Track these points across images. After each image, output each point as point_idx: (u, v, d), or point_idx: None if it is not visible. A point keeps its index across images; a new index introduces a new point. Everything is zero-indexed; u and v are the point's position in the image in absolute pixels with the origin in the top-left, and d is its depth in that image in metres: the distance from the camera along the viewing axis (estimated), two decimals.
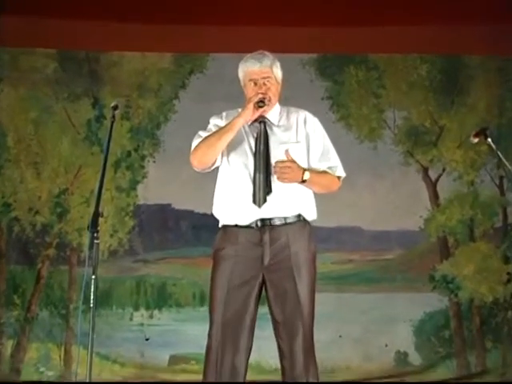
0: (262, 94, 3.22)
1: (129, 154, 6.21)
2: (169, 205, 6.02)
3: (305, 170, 3.17)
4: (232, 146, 3.24)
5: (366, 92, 6.32)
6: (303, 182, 3.17)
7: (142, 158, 6.23)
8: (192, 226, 6.06)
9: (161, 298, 6.10)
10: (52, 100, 6.20)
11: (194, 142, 3.27)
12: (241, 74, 3.36)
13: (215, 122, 3.33)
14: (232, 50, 5.29)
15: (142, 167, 6.21)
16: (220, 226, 3.29)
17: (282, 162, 3.11)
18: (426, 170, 6.23)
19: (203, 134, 3.28)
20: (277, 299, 3.15)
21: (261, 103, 3.20)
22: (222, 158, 3.26)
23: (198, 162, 3.23)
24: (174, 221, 6.12)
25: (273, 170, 3.13)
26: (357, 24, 5.88)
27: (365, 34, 5.99)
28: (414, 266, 6.14)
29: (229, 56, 5.58)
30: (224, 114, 3.38)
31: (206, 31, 5.97)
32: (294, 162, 3.13)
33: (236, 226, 3.20)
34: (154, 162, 6.20)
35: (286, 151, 3.14)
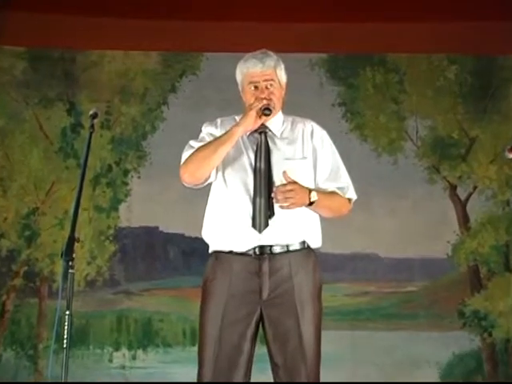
0: (266, 99, 3.23)
1: (110, 168, 6.23)
2: (156, 227, 6.03)
3: (311, 190, 3.17)
4: (228, 160, 3.23)
5: (384, 98, 6.35)
6: (310, 204, 3.15)
7: (125, 172, 6.24)
8: (182, 252, 6.06)
9: (146, 335, 6.08)
10: (21, 105, 6.23)
11: (185, 154, 3.26)
12: (239, 77, 3.36)
13: (209, 131, 3.33)
14: (229, 49, 5.33)
15: (125, 184, 6.22)
16: (210, 251, 3.29)
17: (283, 185, 3.09)
18: (453, 188, 6.24)
19: (195, 144, 3.27)
20: (276, 339, 3.14)
21: (267, 111, 3.19)
22: (216, 173, 3.26)
23: (190, 176, 3.22)
24: (161, 246, 6.12)
25: (273, 195, 3.12)
26: (374, 19, 5.92)
27: (383, 31, 6.03)
28: (440, 299, 6.13)
29: (226, 56, 5.61)
30: (219, 121, 3.38)
31: (199, 27, 6.02)
32: (295, 183, 3.11)
33: (231, 252, 3.18)
34: (139, 177, 6.22)
35: (285, 173, 3.11)
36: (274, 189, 3.12)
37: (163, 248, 6.12)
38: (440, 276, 6.16)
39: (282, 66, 3.38)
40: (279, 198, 3.08)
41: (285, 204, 3.09)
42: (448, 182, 6.25)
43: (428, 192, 6.21)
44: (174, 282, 6.12)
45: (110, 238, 6.16)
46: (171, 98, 6.33)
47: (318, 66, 6.33)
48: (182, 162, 3.26)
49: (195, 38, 6.08)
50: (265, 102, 3.20)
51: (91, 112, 3.30)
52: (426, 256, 6.08)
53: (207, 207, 3.34)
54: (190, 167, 3.22)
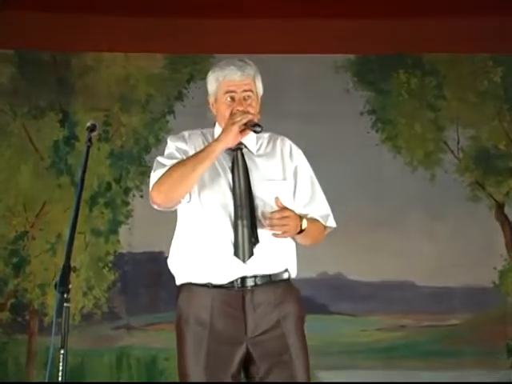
0: (245, 112, 3.22)
1: (108, 186, 6.24)
2: (161, 253, 6.00)
3: (301, 217, 3.21)
4: (203, 179, 3.26)
5: (420, 104, 6.35)
6: (300, 232, 3.21)
7: (126, 191, 6.26)
8: None
9: (150, 376, 6.08)
10: (8, 116, 6.26)
11: (157, 173, 3.27)
12: (213, 85, 3.40)
13: (178, 146, 3.36)
14: (244, 50, 5.33)
15: (126, 204, 6.24)
16: (179, 283, 3.31)
17: (279, 212, 3.13)
18: (500, 207, 6.22)
19: (166, 161, 3.29)
20: (268, 374, 3.16)
21: (257, 127, 3.19)
22: (190, 194, 3.28)
23: (164, 198, 3.23)
24: (167, 274, 6.07)
25: (263, 221, 3.15)
26: (408, 14, 5.93)
27: (418, 28, 6.04)
28: (485, 334, 6.10)
29: (240, 57, 5.61)
30: (186, 134, 3.43)
31: (209, 25, 6.04)
32: (290, 210, 3.17)
33: (207, 285, 3.20)
34: (142, 196, 6.21)
35: (277, 199, 3.15)
36: (259, 213, 3.18)
37: (170, 276, 6.08)
38: (486, 307, 6.14)
39: (260, 78, 3.39)
40: (275, 224, 3.12)
41: (279, 232, 3.14)
42: (494, 199, 6.24)
43: (471, 211, 6.19)
44: None
45: (109, 266, 6.16)
46: (178, 106, 6.36)
47: (343, 68, 6.33)
48: (152, 182, 3.27)
49: (205, 38, 6.10)
50: (249, 116, 3.21)
51: (89, 124, 3.29)
52: (470, 284, 6.06)
53: (176, 232, 3.36)
54: (164, 188, 3.22)
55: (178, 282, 3.31)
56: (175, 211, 3.34)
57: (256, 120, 3.28)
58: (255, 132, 3.22)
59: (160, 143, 6.29)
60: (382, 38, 6.11)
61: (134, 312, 6.14)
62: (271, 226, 3.13)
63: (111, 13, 5.97)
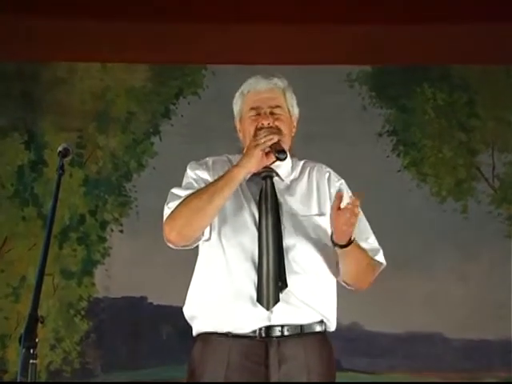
0: (272, 132, 3.22)
1: (82, 218, 6.25)
2: (143, 298, 6.02)
3: None
4: (224, 213, 3.27)
5: (448, 124, 6.37)
6: (346, 245, 3.15)
7: (103, 225, 6.27)
8: (179, 332, 6.03)
9: None
10: None
11: (170, 206, 3.29)
12: (238, 103, 3.45)
13: (199, 175, 3.37)
14: (241, 60, 5.37)
15: (103, 240, 6.24)
16: (195, 333, 3.32)
17: (355, 201, 3.05)
18: None
19: (182, 192, 3.30)
20: None
21: (281, 154, 3.19)
22: (210, 231, 3.29)
23: (178, 235, 3.24)
24: (150, 323, 6.11)
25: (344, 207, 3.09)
26: (433, 20, 5.96)
27: (445, 35, 6.07)
28: None
29: (236, 69, 5.65)
30: (210, 161, 3.44)
31: (201, 31, 6.06)
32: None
33: (227, 334, 3.20)
34: (121, 231, 6.24)
35: (339, 192, 3.14)
36: (289, 255, 3.18)
37: (153, 326, 6.11)
38: None
39: (292, 92, 3.42)
40: (348, 211, 3.04)
41: (349, 228, 3.08)
42: None
43: (509, 250, 6.18)
44: (167, 372, 6.10)
45: (82, 313, 6.16)
46: (164, 125, 6.39)
47: (359, 82, 6.37)
48: (165, 217, 3.28)
49: (196, 46, 6.13)
50: (275, 138, 3.21)
51: (60, 148, 3.27)
52: (510, 338, 6.04)
53: (194, 275, 3.37)
54: (177, 224, 3.23)
55: (194, 333, 3.32)
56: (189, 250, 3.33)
57: (287, 142, 3.31)
58: (279, 159, 3.22)
59: (143, 169, 6.30)
60: (403, 46, 6.15)
61: (110, 369, 6.12)
62: (345, 214, 3.05)
63: (86, 16, 5.99)
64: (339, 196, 3.09)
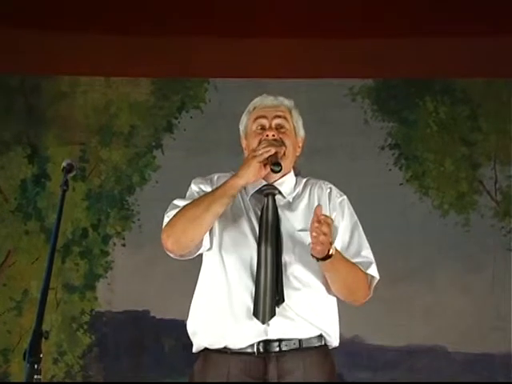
0: (272, 143, 3.24)
1: (85, 232, 6.25)
2: (146, 312, 6.01)
3: (331, 242, 3.11)
4: (226, 227, 3.29)
5: (451, 137, 6.37)
6: (325, 258, 3.10)
7: (105, 239, 6.27)
8: (182, 345, 6.02)
9: None
10: None
11: (169, 214, 3.31)
12: (243, 119, 3.46)
13: (202, 188, 3.39)
14: (244, 74, 5.37)
15: (105, 254, 6.24)
16: (196, 350, 3.34)
17: (325, 216, 3.05)
18: None
19: (181, 203, 3.32)
20: None
21: (275, 166, 3.20)
22: (211, 241, 3.31)
23: (175, 243, 3.25)
24: (153, 337, 6.11)
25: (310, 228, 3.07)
26: (435, 33, 5.96)
27: (448, 49, 6.08)
28: None
29: (240, 82, 5.66)
30: (215, 176, 3.44)
31: (204, 44, 6.08)
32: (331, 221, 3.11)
33: (225, 350, 3.21)
34: (124, 245, 6.24)
35: (318, 207, 3.08)
36: (288, 269, 3.18)
37: (156, 339, 6.10)
38: None
39: (298, 113, 3.44)
40: (316, 223, 3.02)
41: (318, 235, 3.04)
42: None
43: (511, 263, 6.16)
44: None
45: (85, 327, 6.15)
46: (167, 139, 6.39)
47: (361, 95, 6.37)
48: (164, 225, 3.30)
49: (199, 59, 6.14)
50: (272, 150, 3.21)
51: (64, 164, 3.28)
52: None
53: (196, 287, 3.39)
54: (175, 230, 3.25)
55: (195, 349, 3.34)
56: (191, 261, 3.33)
57: (290, 156, 3.33)
58: (273, 171, 3.22)
59: (146, 183, 6.30)
60: (405, 60, 6.16)
61: (113, 382, 6.12)
62: (313, 226, 3.03)
63: (89, 30, 6.00)
64: (317, 209, 3.07)
